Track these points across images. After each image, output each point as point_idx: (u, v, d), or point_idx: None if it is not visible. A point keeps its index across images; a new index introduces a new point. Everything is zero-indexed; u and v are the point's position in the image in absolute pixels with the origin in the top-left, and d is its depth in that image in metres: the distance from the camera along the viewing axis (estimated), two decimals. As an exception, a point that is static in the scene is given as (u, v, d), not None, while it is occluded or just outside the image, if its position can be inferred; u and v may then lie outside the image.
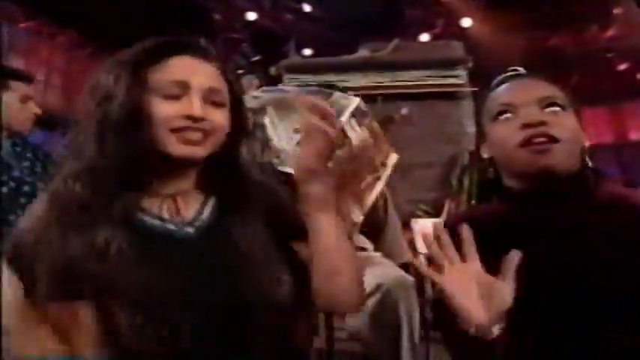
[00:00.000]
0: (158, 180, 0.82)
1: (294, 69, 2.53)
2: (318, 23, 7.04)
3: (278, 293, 0.79)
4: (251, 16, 7.74)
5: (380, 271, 1.54)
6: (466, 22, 6.63)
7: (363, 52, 2.57)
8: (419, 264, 0.84)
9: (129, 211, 0.76)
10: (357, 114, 1.49)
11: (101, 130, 0.76)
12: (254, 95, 1.60)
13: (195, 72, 0.82)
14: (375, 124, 1.53)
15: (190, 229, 0.81)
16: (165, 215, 0.81)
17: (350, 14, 5.80)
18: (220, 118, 0.82)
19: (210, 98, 0.81)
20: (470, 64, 2.71)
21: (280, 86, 1.69)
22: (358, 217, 1.51)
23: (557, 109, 0.88)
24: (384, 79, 2.57)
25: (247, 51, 7.80)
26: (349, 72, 2.49)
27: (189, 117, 0.78)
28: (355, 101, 1.51)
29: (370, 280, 1.42)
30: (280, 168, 1.63)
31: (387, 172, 1.51)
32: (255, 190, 0.88)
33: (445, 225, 0.98)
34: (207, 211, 0.84)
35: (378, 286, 1.45)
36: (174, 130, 0.78)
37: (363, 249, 1.71)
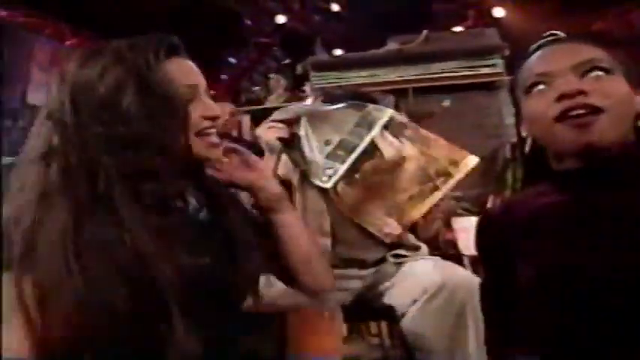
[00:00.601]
0: None
1: (321, 66, 2.40)
2: (347, 23, 6.92)
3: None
4: (280, 19, 7.72)
5: (441, 269, 1.36)
6: (499, 12, 6.32)
7: (391, 46, 2.42)
8: None
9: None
10: (392, 126, 1.41)
11: (121, 138, 0.71)
12: (289, 108, 1.54)
13: (195, 73, 0.80)
14: (424, 134, 1.42)
15: (202, 213, 0.81)
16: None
17: (377, 11, 5.64)
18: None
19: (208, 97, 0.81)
20: (506, 52, 2.52)
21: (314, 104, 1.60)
22: (395, 229, 1.40)
23: (600, 73, 0.73)
24: (415, 72, 2.42)
25: (278, 54, 7.79)
26: (378, 67, 2.36)
27: (210, 118, 0.77)
28: (388, 113, 1.42)
29: (432, 278, 1.29)
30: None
31: (451, 181, 1.39)
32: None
33: (486, 216, 0.89)
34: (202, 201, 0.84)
35: (441, 287, 1.27)
36: (198, 134, 0.76)
37: (417, 247, 1.53)
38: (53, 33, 6.24)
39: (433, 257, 1.53)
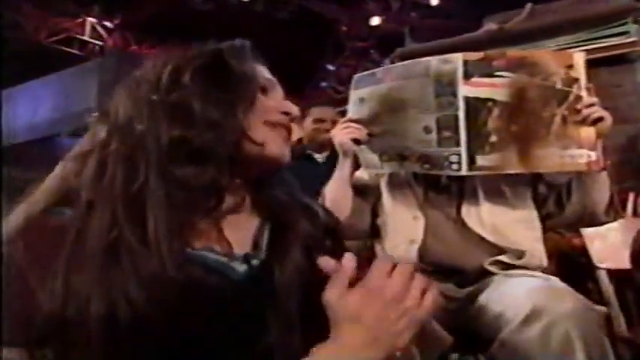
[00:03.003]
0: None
1: (410, 56, 2.09)
2: (443, 15, 6.46)
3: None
4: (375, 21, 7.54)
5: (544, 290, 1.06)
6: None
7: (489, 26, 2.03)
8: None
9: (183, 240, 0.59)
10: (474, 67, 1.16)
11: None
12: (361, 97, 1.35)
13: (275, 80, 0.74)
14: (516, 56, 1.20)
15: (242, 268, 0.63)
16: (215, 246, 0.63)
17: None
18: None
19: None
20: (641, 15, 1.98)
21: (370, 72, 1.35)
22: (591, 155, 1.18)
23: None
24: (522, 53, 1.99)
25: (376, 57, 7.55)
26: (476, 51, 1.97)
27: (285, 112, 0.71)
28: (458, 58, 1.16)
29: (527, 299, 1.02)
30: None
31: (583, 83, 1.19)
32: (305, 216, 0.73)
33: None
34: (264, 243, 0.68)
35: (538, 311, 0.97)
36: (268, 123, 0.68)
37: (522, 254, 1.25)
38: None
39: (542, 275, 1.23)
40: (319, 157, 2.43)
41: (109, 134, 0.62)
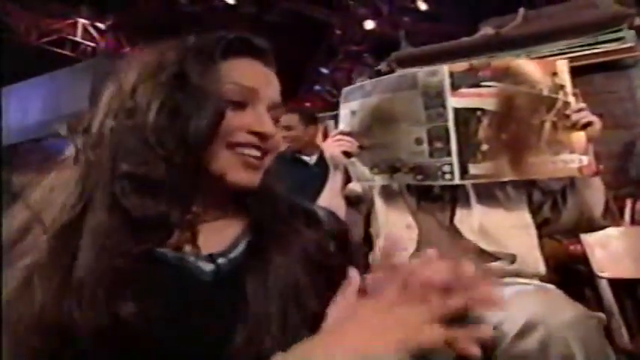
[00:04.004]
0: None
1: (406, 60, 2.06)
2: (436, 20, 6.45)
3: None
4: (369, 24, 7.53)
5: (541, 300, 1.02)
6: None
7: (485, 31, 1.99)
8: None
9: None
10: (460, 79, 1.16)
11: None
12: (353, 110, 1.33)
13: (265, 81, 0.64)
14: (501, 65, 1.19)
15: (208, 267, 0.58)
16: (184, 246, 0.59)
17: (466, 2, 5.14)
18: (279, 137, 0.65)
19: (272, 114, 0.64)
20: (637, 21, 1.96)
21: (359, 83, 1.35)
22: (583, 160, 1.17)
23: None
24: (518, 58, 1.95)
25: (369, 61, 7.51)
26: (471, 55, 1.93)
27: (257, 133, 0.61)
28: (444, 71, 1.15)
29: (518, 315, 0.96)
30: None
31: (569, 89, 1.18)
32: (300, 222, 0.67)
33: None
34: (241, 246, 0.62)
35: (531, 325, 0.94)
36: (231, 146, 0.60)
37: (514, 257, 1.22)
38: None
39: (538, 283, 1.21)
40: (309, 159, 2.37)
41: (76, 153, 0.60)
